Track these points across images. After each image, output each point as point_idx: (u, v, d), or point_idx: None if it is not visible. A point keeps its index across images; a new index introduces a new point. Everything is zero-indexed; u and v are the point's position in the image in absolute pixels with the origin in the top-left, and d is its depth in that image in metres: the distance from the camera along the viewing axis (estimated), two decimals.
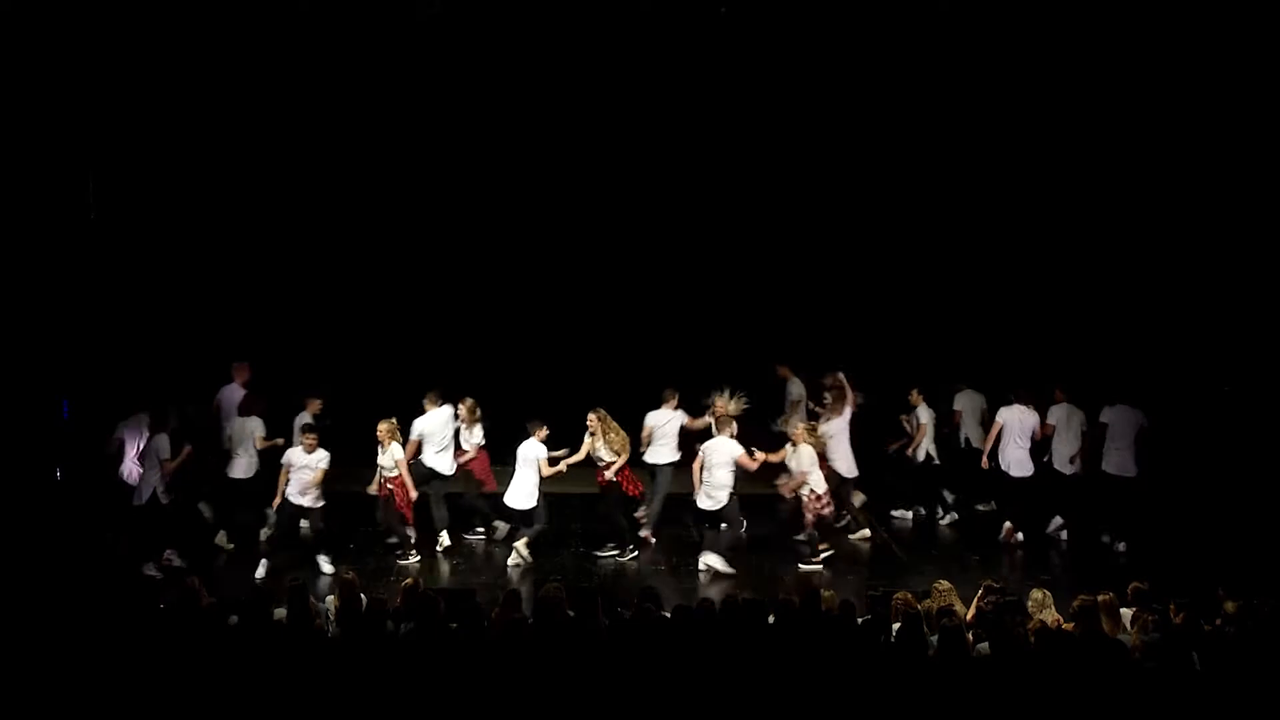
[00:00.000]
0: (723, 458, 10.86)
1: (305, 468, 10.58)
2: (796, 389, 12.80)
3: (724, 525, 11.04)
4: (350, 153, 12.91)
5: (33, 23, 10.37)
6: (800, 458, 11.02)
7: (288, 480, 10.61)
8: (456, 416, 11.50)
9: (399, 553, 11.06)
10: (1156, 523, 11.43)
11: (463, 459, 11.58)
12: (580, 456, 11.27)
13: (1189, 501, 11.43)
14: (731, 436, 10.99)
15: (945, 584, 8.22)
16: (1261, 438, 11.36)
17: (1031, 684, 6.87)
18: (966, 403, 12.48)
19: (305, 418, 11.43)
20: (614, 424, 11.27)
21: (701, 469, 10.98)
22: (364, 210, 13.37)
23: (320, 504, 10.73)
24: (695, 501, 11.11)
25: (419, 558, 11.00)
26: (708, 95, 12.67)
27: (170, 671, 6.72)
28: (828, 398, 12.03)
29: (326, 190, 13.14)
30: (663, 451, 11.71)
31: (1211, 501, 11.37)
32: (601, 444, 11.17)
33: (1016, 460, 11.53)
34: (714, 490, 10.90)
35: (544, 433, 11.08)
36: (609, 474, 11.20)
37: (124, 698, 6.64)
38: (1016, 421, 11.51)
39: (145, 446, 10.68)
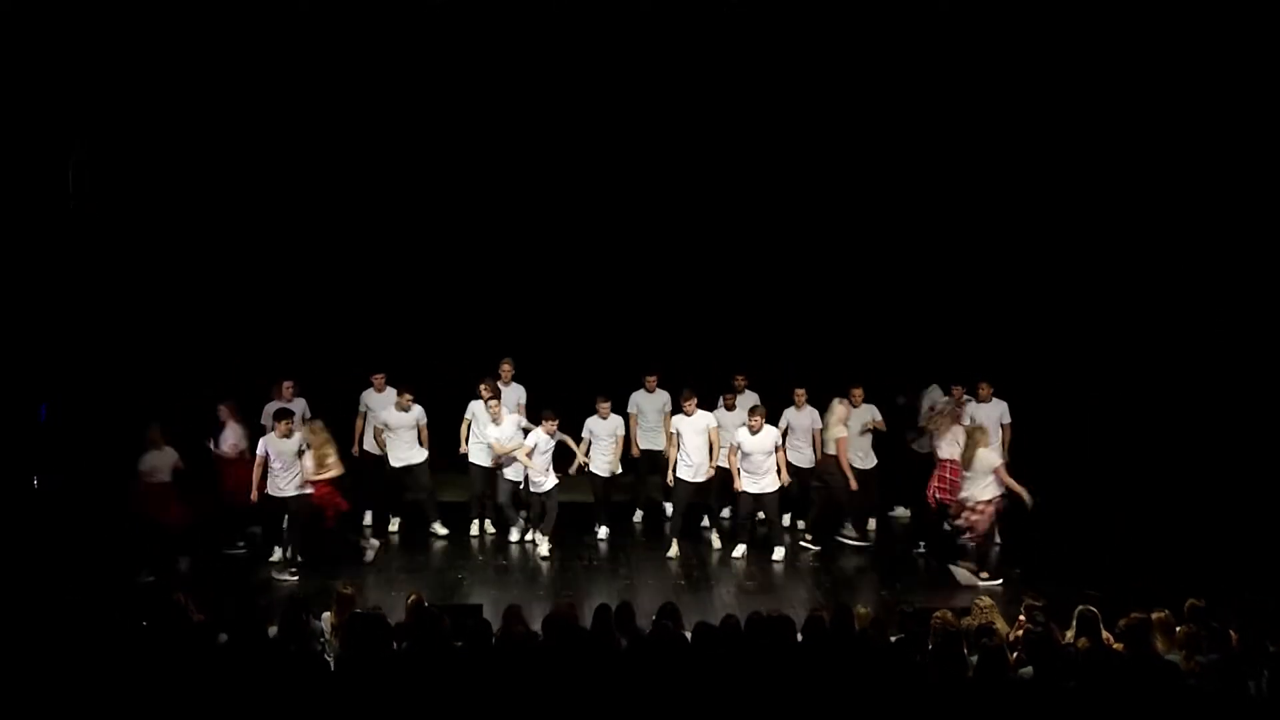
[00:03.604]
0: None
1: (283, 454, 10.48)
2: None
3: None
4: (347, 149, 12.60)
5: (11, 5, 10.13)
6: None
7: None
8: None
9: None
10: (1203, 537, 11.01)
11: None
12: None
13: (1239, 514, 11.02)
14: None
15: (987, 600, 7.81)
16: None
17: (1077, 709, 6.44)
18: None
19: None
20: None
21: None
22: (356, 205, 13.04)
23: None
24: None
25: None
26: (710, 89, 12.44)
27: (155, 692, 6.37)
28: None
29: (318, 184, 12.79)
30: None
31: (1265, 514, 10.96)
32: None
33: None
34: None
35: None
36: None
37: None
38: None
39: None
